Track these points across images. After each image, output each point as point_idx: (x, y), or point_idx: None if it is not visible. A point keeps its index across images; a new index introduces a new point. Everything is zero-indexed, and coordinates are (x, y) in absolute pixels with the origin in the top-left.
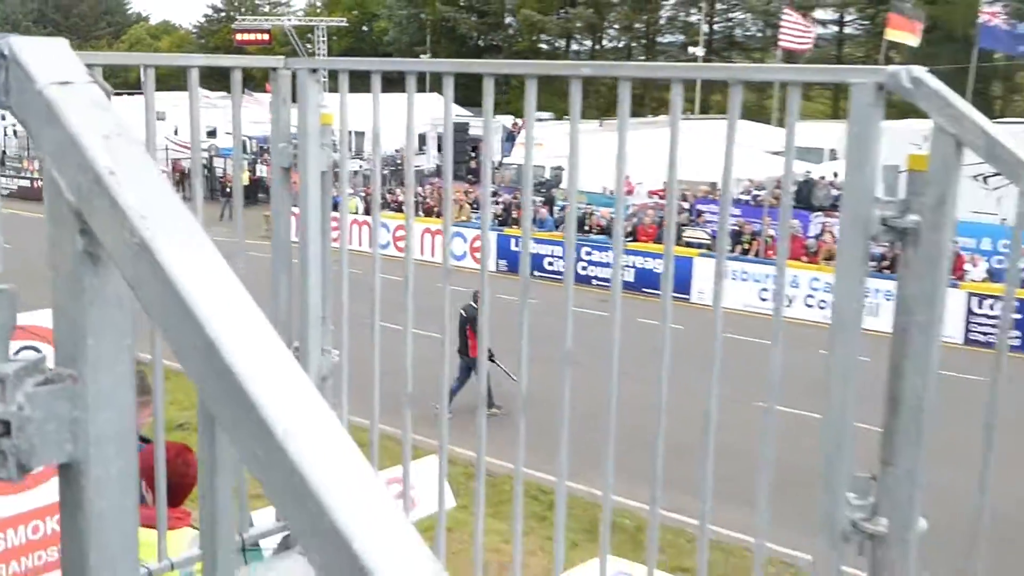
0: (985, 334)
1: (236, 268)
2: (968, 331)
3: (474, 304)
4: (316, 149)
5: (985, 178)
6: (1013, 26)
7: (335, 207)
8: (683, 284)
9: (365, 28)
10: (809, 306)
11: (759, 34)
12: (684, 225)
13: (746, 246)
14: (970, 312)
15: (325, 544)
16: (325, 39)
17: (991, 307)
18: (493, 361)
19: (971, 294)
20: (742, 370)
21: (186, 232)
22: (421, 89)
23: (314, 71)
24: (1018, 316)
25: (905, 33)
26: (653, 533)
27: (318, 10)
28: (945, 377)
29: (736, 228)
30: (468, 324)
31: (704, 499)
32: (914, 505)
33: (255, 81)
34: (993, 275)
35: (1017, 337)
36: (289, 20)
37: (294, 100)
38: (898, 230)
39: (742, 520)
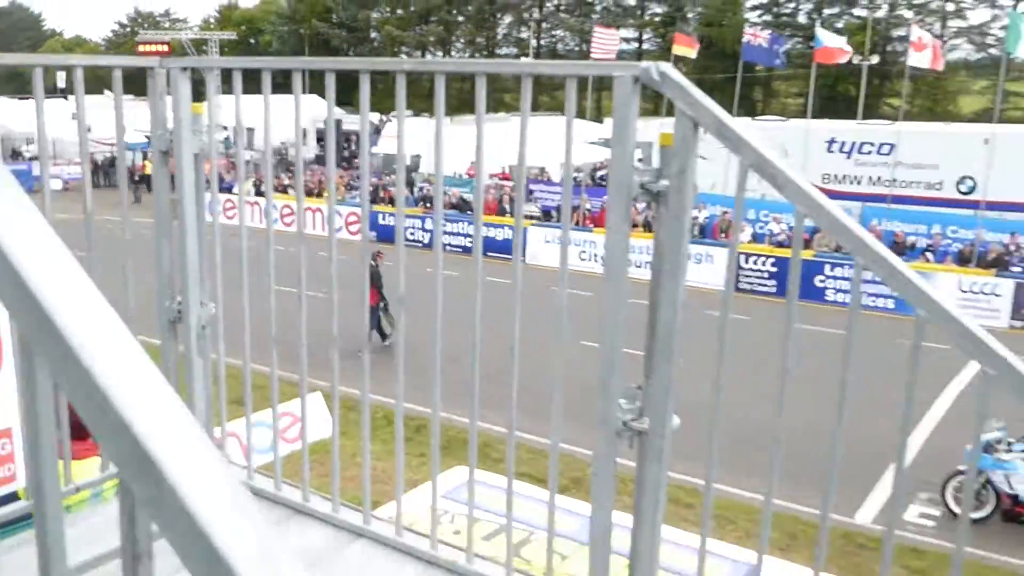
0: (749, 283)
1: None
2: (738, 282)
3: (373, 262)
4: (188, 135)
5: None
6: (770, 43)
7: (230, 189)
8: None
9: (252, 41)
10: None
11: (576, 48)
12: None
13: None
14: (739, 267)
15: (119, 439)
16: (217, 51)
17: (753, 262)
18: (387, 311)
19: (739, 253)
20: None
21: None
22: (301, 91)
23: (184, 69)
24: (775, 269)
25: (686, 48)
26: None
27: (211, 25)
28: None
29: (560, 204)
30: (373, 278)
31: (552, 419)
32: (668, 408)
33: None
34: (756, 238)
35: (774, 285)
36: (186, 34)
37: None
38: (652, 192)
39: (543, 427)
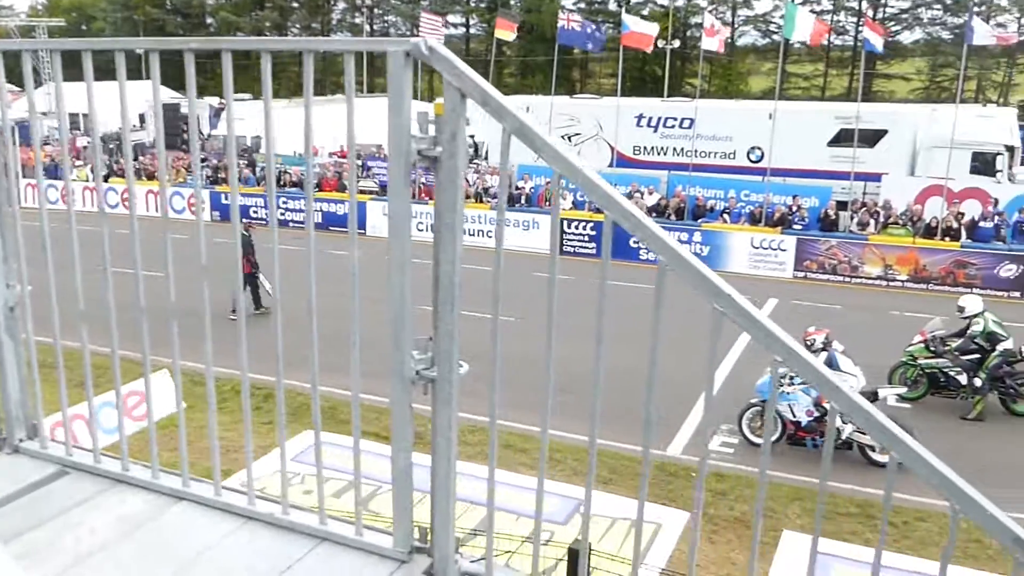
0: (572, 246)
1: None
2: (563, 245)
3: (246, 233)
4: None
5: (569, 137)
6: (584, 27)
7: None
8: (360, 222)
9: (84, 27)
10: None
11: (408, 32)
12: (358, 178)
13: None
14: (563, 232)
15: None
16: (46, 37)
17: (575, 227)
18: (257, 277)
19: (562, 219)
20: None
21: None
22: (137, 76)
23: None
24: (594, 232)
25: (506, 32)
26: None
27: (40, 12)
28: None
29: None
30: (245, 248)
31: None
32: (454, 356)
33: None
34: (576, 205)
35: (594, 247)
36: (12, 21)
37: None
38: (430, 158)
39: (384, 387)
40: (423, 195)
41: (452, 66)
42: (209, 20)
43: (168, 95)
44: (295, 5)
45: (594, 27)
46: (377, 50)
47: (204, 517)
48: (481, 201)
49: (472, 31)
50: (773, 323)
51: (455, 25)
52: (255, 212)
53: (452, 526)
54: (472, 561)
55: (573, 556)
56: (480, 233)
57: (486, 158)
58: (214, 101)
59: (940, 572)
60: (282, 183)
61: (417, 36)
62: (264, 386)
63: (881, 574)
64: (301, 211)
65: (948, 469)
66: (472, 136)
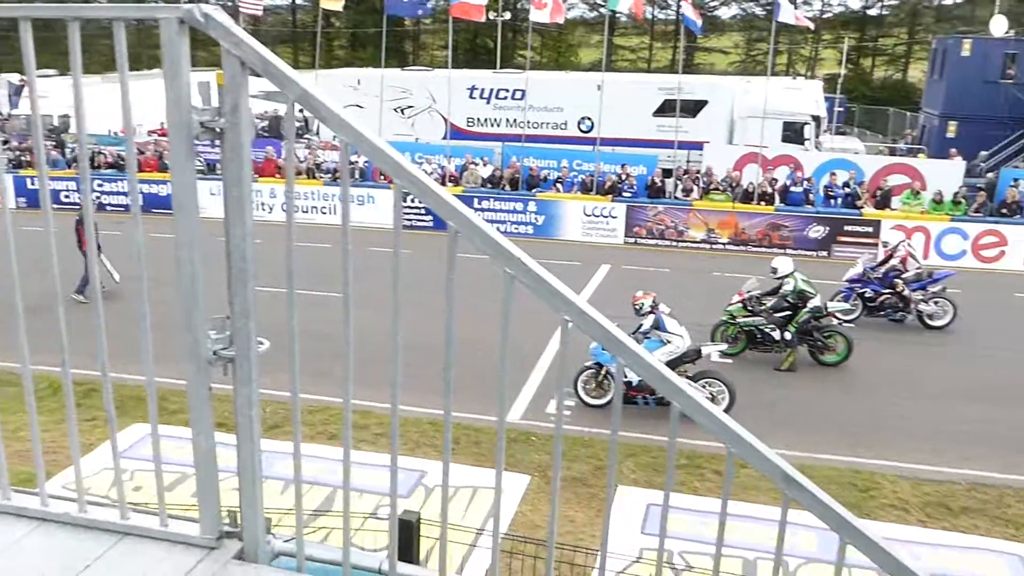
0: (410, 220)
1: None
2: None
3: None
4: None
5: (402, 110)
6: None
7: None
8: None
9: None
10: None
11: (230, 2)
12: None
13: None
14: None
15: None
16: None
17: (411, 201)
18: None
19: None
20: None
21: None
22: None
23: None
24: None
25: (333, 2)
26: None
27: None
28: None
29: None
30: (78, 224)
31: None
32: (251, 333)
33: None
34: None
35: (431, 220)
36: None
37: None
38: (214, 131)
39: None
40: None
41: (229, 33)
42: None
43: None
44: None
45: None
46: (148, 17)
47: None
48: (313, 177)
49: (299, 1)
50: (561, 284)
51: None
52: (67, 197)
53: (260, 507)
54: (285, 541)
55: (405, 528)
56: (314, 210)
57: (317, 133)
58: (14, 78)
59: (721, 507)
60: (96, 165)
61: (239, 8)
62: (84, 381)
63: (691, 517)
64: (120, 194)
65: (724, 415)
66: (302, 110)
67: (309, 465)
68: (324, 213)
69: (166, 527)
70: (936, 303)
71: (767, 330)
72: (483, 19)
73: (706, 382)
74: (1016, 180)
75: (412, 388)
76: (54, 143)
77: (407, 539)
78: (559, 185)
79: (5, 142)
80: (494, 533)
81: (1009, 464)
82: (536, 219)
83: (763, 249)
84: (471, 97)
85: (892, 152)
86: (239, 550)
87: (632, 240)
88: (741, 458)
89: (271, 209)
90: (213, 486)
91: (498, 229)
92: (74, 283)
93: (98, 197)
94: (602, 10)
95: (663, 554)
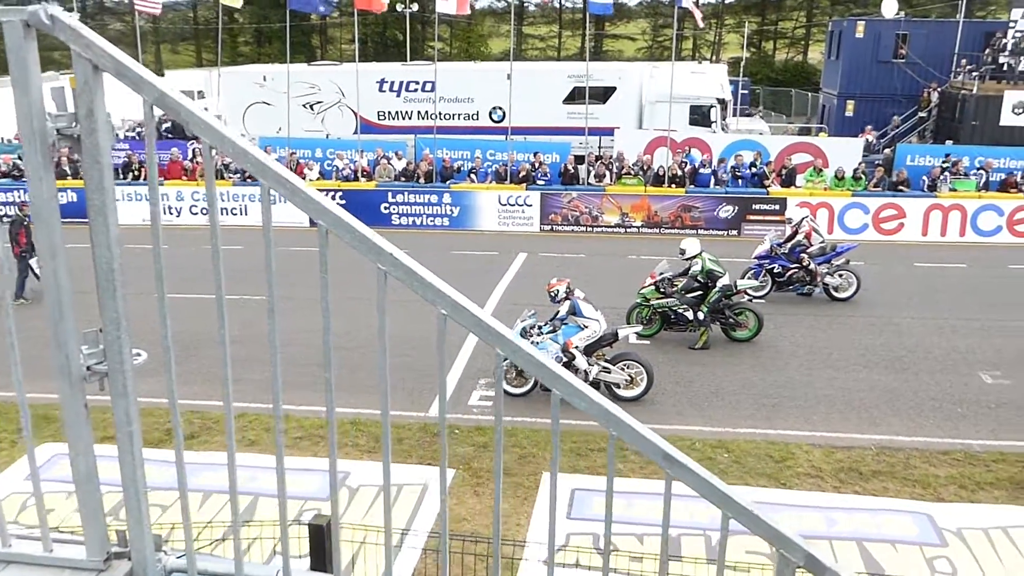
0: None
1: None
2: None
3: (20, 212)
4: None
5: (311, 105)
6: None
7: None
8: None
9: None
10: (194, 213)
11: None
12: (77, 161)
13: (136, 173)
14: None
15: None
16: None
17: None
18: (28, 261)
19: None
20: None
21: None
22: None
23: None
24: (343, 202)
25: None
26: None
27: None
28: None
29: (127, 160)
30: (16, 228)
31: None
32: (124, 345)
33: None
34: (323, 175)
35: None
36: None
37: None
38: (71, 137)
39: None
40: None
41: (79, 36)
42: None
43: None
44: None
45: None
46: None
47: None
48: (222, 177)
49: None
50: (436, 278)
51: None
52: None
53: (148, 524)
54: (178, 556)
55: (315, 532)
56: (225, 211)
57: None
58: None
59: (607, 486)
60: None
61: (135, 7)
62: None
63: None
64: (11, 204)
65: (606, 401)
66: (206, 109)
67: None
68: (235, 214)
69: (51, 552)
70: (840, 275)
71: (680, 310)
72: (385, 10)
73: (624, 364)
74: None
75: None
76: None
77: (319, 545)
78: (473, 176)
79: None
80: (442, 539)
81: (914, 427)
82: (452, 211)
83: (676, 231)
84: (381, 90)
85: (803, 133)
86: (128, 570)
87: (548, 227)
88: (622, 440)
89: (179, 212)
90: (97, 507)
91: (414, 222)
92: None
93: None
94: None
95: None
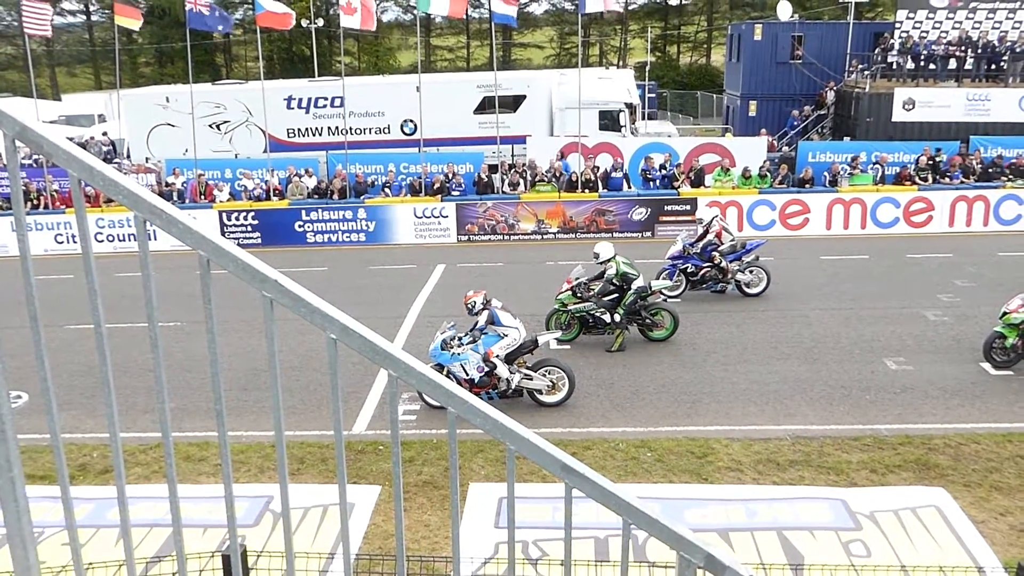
0: (235, 236)
1: None
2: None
3: None
4: None
5: (218, 125)
6: (212, 10)
7: None
8: None
9: None
10: (99, 240)
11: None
12: None
13: (34, 201)
14: (223, 224)
15: None
16: None
17: (236, 218)
18: None
19: (220, 212)
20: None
21: None
22: None
23: None
24: (256, 221)
25: (130, 20)
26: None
27: None
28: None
29: (25, 188)
30: None
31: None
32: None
33: None
34: (234, 195)
35: (258, 236)
36: None
37: None
38: None
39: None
40: (57, 204)
41: None
42: None
43: None
44: None
45: (222, 10)
46: None
47: None
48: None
49: (95, 18)
50: (324, 302)
51: (73, 13)
52: None
53: (38, 572)
54: None
55: (227, 563)
56: (131, 238)
57: (128, 156)
58: None
59: (508, 498)
60: None
61: (24, 30)
62: None
63: (542, 505)
64: None
65: (501, 415)
66: (105, 133)
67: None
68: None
69: None
70: (751, 272)
71: (598, 314)
72: (290, 28)
73: (546, 370)
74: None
75: (251, 412)
76: None
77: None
78: (387, 190)
79: None
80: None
81: (825, 416)
82: (368, 226)
83: (591, 235)
84: (289, 107)
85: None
86: None
87: (465, 238)
88: (520, 453)
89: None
90: None
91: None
92: None
93: None
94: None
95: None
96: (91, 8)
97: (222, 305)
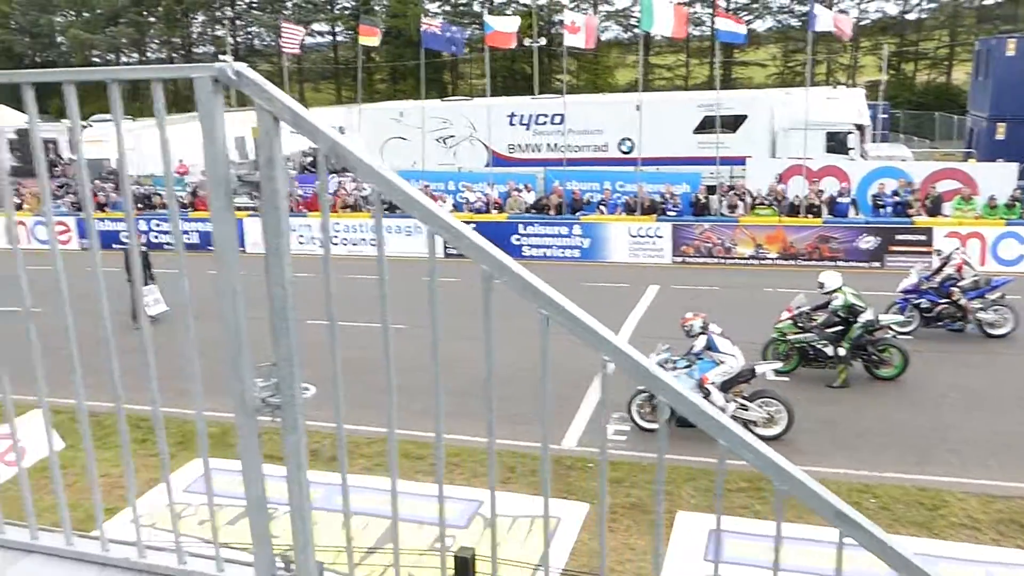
0: (452, 249)
1: None
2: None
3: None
4: None
5: (444, 140)
6: (444, 30)
7: None
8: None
9: None
10: (334, 244)
11: (272, 43)
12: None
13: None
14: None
15: None
16: None
17: None
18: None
19: None
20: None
21: None
22: None
23: None
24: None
25: (370, 37)
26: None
27: None
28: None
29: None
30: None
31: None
32: (295, 381)
33: None
34: (456, 207)
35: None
36: None
37: None
38: (251, 183)
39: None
40: (300, 207)
41: (261, 90)
42: (60, 39)
43: (23, 120)
44: (152, 20)
45: (455, 30)
46: (182, 77)
47: (54, 570)
48: (360, 209)
49: (339, 39)
50: (599, 324)
51: (320, 34)
52: (127, 237)
53: (312, 549)
54: None
55: (460, 564)
56: (363, 242)
57: None
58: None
59: (775, 548)
60: (154, 205)
61: (281, 48)
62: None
63: (752, 542)
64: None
65: (773, 452)
66: None
67: (369, 497)
68: (373, 245)
69: (222, 572)
70: (996, 311)
71: (819, 346)
72: (514, 46)
73: (763, 402)
74: None
75: (469, 416)
76: (113, 185)
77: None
78: (603, 207)
79: (65, 186)
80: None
81: None
82: (582, 242)
83: (813, 262)
84: (511, 124)
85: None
86: None
87: (680, 259)
88: (790, 495)
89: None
90: (265, 531)
91: (545, 254)
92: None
93: (156, 236)
94: (636, 31)
95: None
96: (336, 30)
97: (451, 312)
